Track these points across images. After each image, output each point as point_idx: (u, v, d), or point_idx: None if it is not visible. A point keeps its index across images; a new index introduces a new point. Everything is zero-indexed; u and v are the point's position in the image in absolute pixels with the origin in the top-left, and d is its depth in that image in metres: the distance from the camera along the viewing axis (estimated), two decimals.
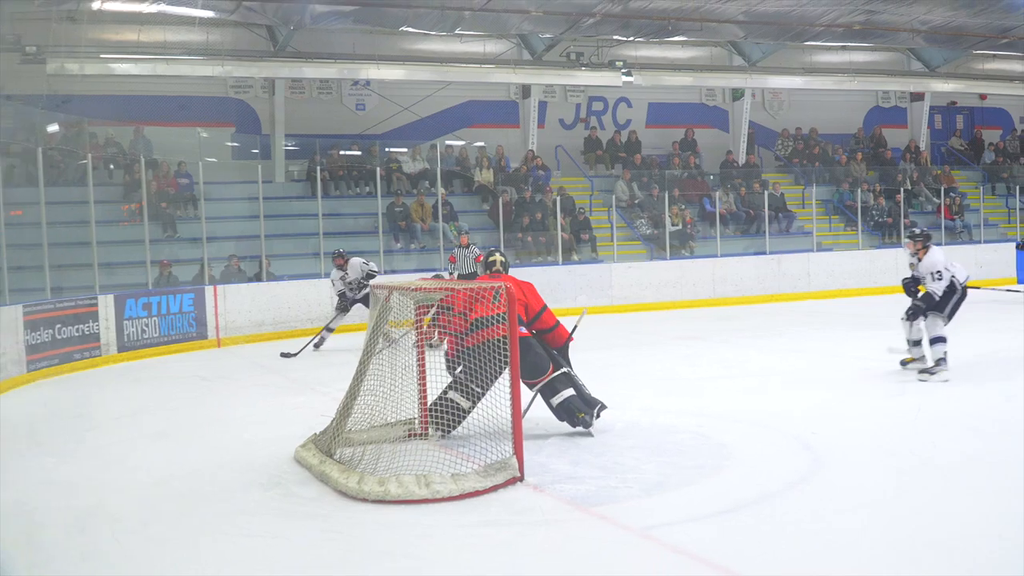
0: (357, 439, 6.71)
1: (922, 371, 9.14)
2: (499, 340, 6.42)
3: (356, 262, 13.36)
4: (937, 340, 9.13)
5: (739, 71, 21.82)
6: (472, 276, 14.13)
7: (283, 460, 6.86)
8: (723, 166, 21.72)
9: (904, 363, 9.64)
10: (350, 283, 13.28)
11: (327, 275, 15.42)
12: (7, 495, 6.25)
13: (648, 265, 17.78)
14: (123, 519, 5.66)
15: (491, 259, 7.73)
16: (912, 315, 9.32)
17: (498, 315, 6.52)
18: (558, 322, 7.23)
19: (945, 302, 9.16)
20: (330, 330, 13.31)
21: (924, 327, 9.31)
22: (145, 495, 6.17)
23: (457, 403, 6.91)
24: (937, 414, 7.75)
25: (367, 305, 12.09)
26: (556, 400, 7.00)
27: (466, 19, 17.12)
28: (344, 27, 17.43)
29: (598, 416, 7.08)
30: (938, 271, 9.14)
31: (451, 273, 14.44)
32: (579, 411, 6.98)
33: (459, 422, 6.95)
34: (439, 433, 7.01)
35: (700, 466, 6.28)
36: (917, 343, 9.49)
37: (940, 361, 9.05)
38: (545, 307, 7.21)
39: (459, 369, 6.96)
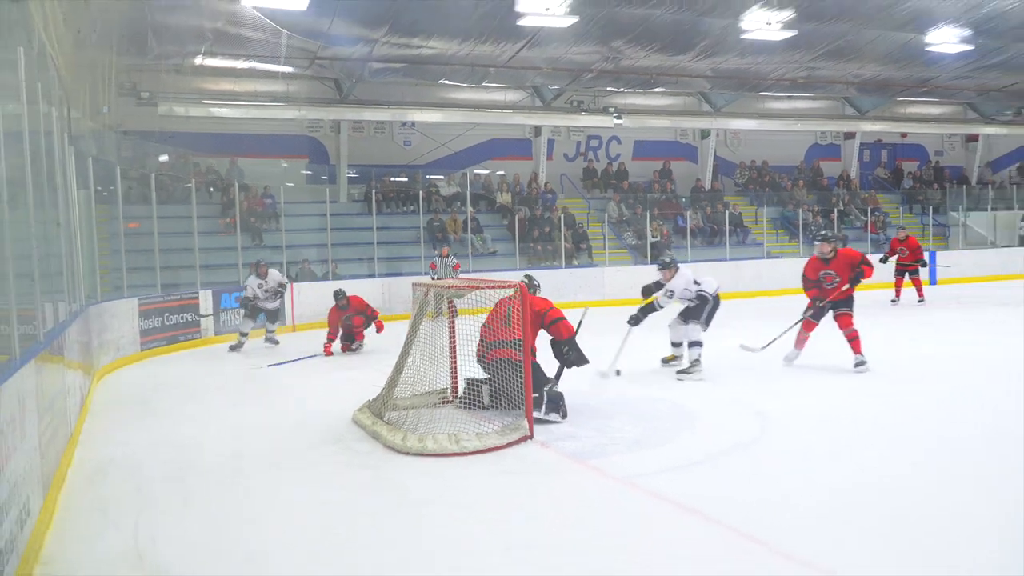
0: (402, 404, 6.73)
1: (680, 371, 8.44)
2: (517, 363, 6.29)
3: (275, 274, 11.82)
4: (695, 344, 8.48)
5: (707, 115, 21.71)
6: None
7: (343, 422, 6.86)
8: (693, 191, 21.64)
9: (665, 361, 9.00)
10: (266, 291, 11.60)
11: (379, 275, 15.47)
12: (120, 451, 6.26)
13: (633, 268, 17.70)
14: (215, 471, 5.65)
15: (533, 283, 8.10)
16: (685, 319, 8.62)
17: (515, 340, 6.33)
18: (563, 317, 7.00)
19: (700, 311, 8.48)
20: (245, 335, 11.65)
21: (687, 331, 8.60)
22: (232, 451, 6.17)
23: (482, 397, 6.74)
24: (857, 388, 7.69)
25: (271, 319, 11.69)
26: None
27: (491, 74, 17.09)
28: (395, 80, 17.42)
29: (560, 414, 6.60)
30: (686, 289, 8.49)
31: (434, 278, 14.10)
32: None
33: (478, 407, 6.72)
34: (463, 406, 6.88)
35: (673, 428, 6.25)
36: (679, 344, 8.88)
37: (696, 362, 8.38)
38: (560, 317, 6.88)
39: (486, 388, 6.73)
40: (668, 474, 5.13)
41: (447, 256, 14.45)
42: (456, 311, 7.19)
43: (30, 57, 5.32)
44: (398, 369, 6.87)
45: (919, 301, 14.88)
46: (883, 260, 14.64)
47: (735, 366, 8.77)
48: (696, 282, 8.60)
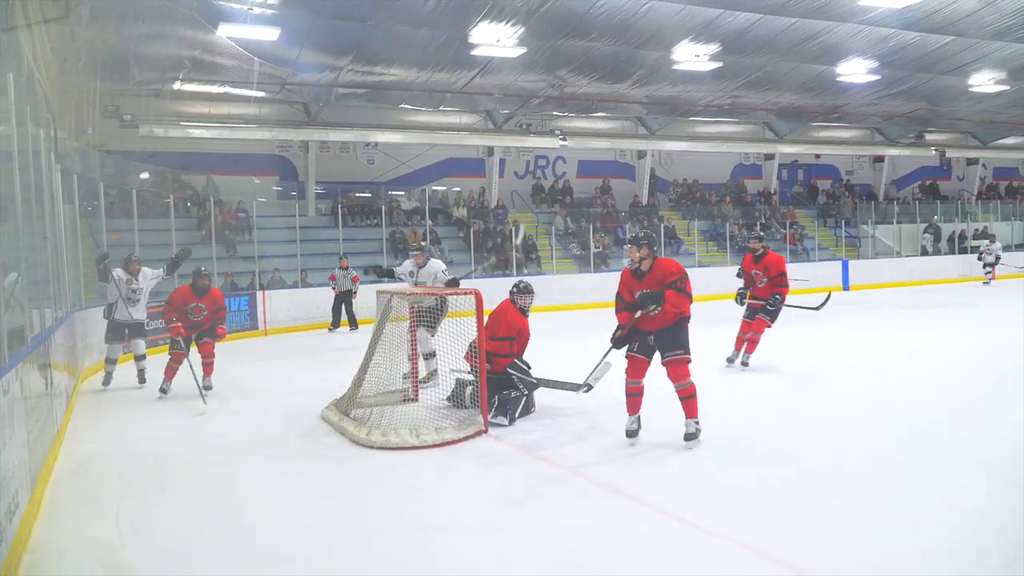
0: (366, 403, 6.73)
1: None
2: (500, 376, 6.44)
3: (148, 272, 8.86)
4: (431, 355, 7.81)
5: (643, 138, 21.97)
6: (348, 294, 13.67)
7: (312, 418, 6.86)
8: (632, 206, 21.87)
9: (424, 381, 7.70)
10: (134, 290, 8.70)
11: (293, 285, 14.83)
12: (103, 446, 6.20)
13: (578, 276, 17.87)
14: (193, 462, 5.64)
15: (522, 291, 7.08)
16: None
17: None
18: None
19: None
20: (113, 362, 8.84)
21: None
22: (210, 443, 6.15)
23: (464, 398, 6.74)
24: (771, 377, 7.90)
25: (135, 333, 8.76)
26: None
27: (447, 99, 17.17)
28: (359, 104, 17.40)
29: (508, 419, 6.39)
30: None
31: (334, 288, 13.97)
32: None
33: (459, 406, 6.73)
34: (450, 404, 6.83)
35: (614, 421, 6.32)
36: (432, 355, 7.87)
37: (434, 373, 7.76)
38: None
39: (469, 390, 6.68)
40: (607, 465, 5.22)
41: (346, 268, 14.03)
42: (416, 316, 7.24)
43: (19, 82, 5.27)
44: (363, 370, 6.89)
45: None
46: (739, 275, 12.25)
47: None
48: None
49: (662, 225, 19.94)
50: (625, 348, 5.61)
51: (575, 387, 6.24)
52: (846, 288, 19.74)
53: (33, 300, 5.74)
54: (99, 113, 14.47)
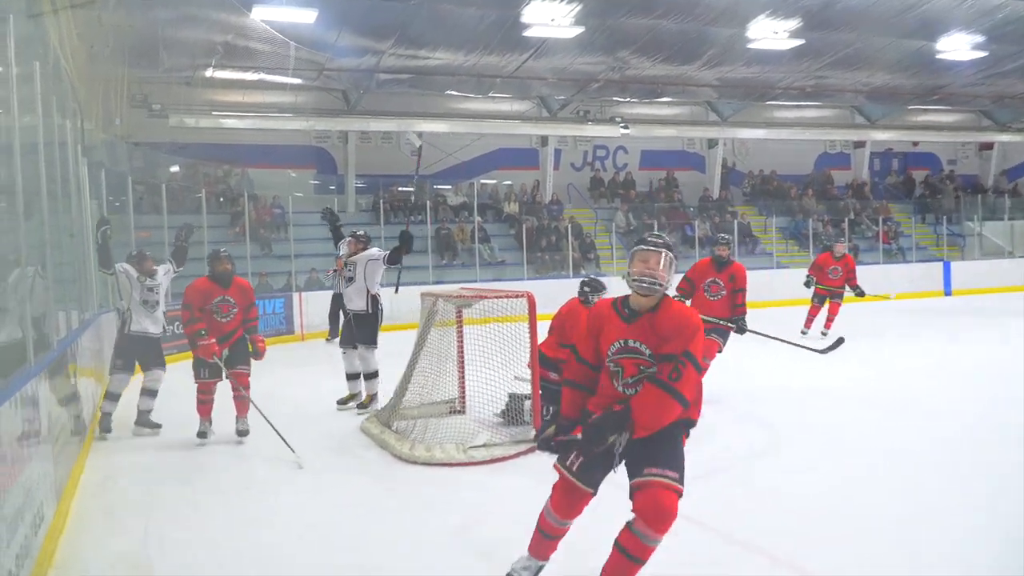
0: (409, 414, 6.79)
1: (360, 405, 7.57)
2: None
3: (163, 269, 7.52)
4: (372, 375, 7.54)
5: (714, 125, 21.74)
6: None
7: (351, 430, 6.95)
8: (701, 200, 21.65)
9: (341, 402, 7.63)
10: (151, 290, 7.23)
11: (332, 287, 13.76)
12: (130, 457, 6.38)
13: None
14: (223, 475, 5.78)
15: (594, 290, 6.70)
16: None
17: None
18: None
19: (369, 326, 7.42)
20: (116, 398, 7.18)
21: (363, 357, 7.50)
22: (240, 456, 6.28)
23: (522, 412, 6.63)
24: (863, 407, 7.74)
25: (152, 360, 7.27)
26: None
27: (497, 84, 17.24)
28: (402, 91, 17.59)
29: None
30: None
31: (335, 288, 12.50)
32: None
33: (518, 423, 6.64)
34: (502, 420, 6.78)
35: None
36: (374, 375, 7.55)
37: (373, 398, 7.50)
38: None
39: (528, 404, 6.55)
40: None
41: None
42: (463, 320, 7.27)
43: (45, 71, 5.48)
44: (406, 379, 6.95)
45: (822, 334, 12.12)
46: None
47: (750, 371, 8.79)
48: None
49: (735, 222, 19.69)
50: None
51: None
52: (948, 293, 19.20)
53: (58, 301, 5.94)
54: (127, 102, 14.90)
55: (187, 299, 6.67)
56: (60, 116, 6.58)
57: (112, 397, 7.11)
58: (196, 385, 6.71)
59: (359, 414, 7.44)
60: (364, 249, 7.65)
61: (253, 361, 6.85)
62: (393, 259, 7.49)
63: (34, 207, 5.02)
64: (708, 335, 7.06)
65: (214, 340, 6.54)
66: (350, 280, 7.57)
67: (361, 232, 7.87)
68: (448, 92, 18.10)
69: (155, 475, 5.82)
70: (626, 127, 19.85)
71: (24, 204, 4.42)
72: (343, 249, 7.77)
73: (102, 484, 5.64)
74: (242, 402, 6.71)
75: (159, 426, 7.10)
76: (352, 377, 7.79)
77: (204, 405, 6.72)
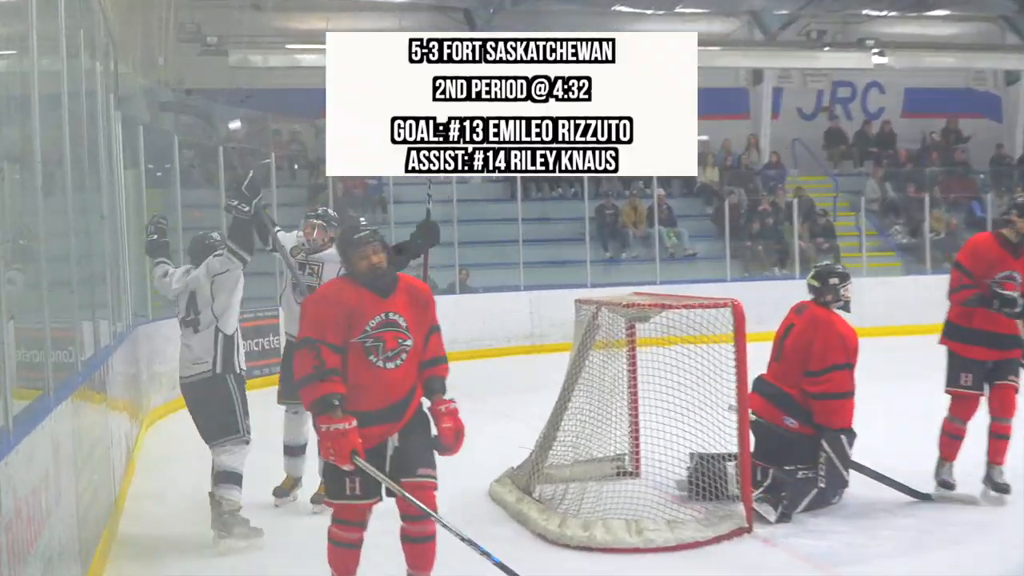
0: (559, 476, 6.81)
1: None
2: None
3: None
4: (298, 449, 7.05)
5: (1015, 50, 20.97)
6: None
7: (477, 495, 7.03)
8: (995, 162, 21.01)
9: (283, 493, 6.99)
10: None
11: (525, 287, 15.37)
12: (174, 521, 6.68)
13: (903, 281, 17.21)
14: (292, 539, 6.03)
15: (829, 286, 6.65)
16: None
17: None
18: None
19: None
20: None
21: None
22: (321, 525, 6.43)
23: (727, 483, 6.48)
24: None
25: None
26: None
27: None
28: (549, 7, 17.68)
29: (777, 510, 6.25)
30: None
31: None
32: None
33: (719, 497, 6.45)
34: (684, 493, 6.72)
35: (969, 522, 6.07)
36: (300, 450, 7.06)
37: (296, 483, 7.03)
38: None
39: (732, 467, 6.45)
40: None
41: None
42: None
43: None
44: (554, 424, 6.98)
45: None
46: None
47: None
48: None
49: None
50: None
51: (920, 495, 6.44)
52: None
53: (85, 307, 6.25)
54: (174, 36, 15.58)
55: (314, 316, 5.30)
56: (88, 57, 6.92)
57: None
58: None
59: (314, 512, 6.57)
60: (332, 242, 6.57)
61: None
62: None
63: (56, 180, 5.28)
64: (1004, 376, 6.48)
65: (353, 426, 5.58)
66: (310, 289, 6.45)
67: (330, 211, 7.30)
68: (616, 8, 18.11)
69: (205, 549, 6.08)
70: (882, 54, 19.39)
71: (43, 176, 4.63)
72: (294, 240, 6.95)
73: (139, 555, 5.97)
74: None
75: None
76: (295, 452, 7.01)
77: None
